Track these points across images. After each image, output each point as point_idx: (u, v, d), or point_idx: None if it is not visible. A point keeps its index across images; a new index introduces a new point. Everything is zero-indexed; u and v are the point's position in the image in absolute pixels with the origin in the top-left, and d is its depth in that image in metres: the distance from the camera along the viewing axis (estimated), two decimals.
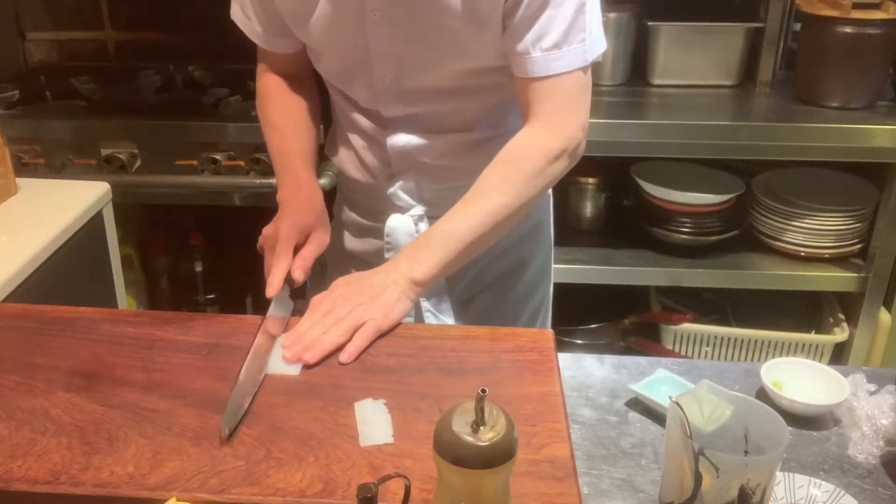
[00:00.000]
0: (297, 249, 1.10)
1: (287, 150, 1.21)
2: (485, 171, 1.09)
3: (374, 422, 0.84)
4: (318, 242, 1.13)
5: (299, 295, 1.08)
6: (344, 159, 1.28)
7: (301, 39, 1.17)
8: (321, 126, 1.30)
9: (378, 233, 1.25)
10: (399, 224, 1.22)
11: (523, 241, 1.33)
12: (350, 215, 1.34)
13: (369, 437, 0.82)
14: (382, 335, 0.98)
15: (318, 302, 1.01)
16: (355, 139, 1.24)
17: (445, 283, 1.24)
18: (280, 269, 1.06)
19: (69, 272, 1.48)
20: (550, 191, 1.39)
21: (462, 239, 1.05)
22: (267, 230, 1.11)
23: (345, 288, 1.02)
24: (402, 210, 1.23)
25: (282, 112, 1.25)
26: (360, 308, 0.98)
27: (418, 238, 1.09)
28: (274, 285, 1.04)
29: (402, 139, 1.19)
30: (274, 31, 1.20)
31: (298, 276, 1.07)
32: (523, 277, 1.34)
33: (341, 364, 0.93)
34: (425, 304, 1.26)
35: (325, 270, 1.44)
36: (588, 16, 1.07)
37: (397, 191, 1.22)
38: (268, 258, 1.09)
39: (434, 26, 1.06)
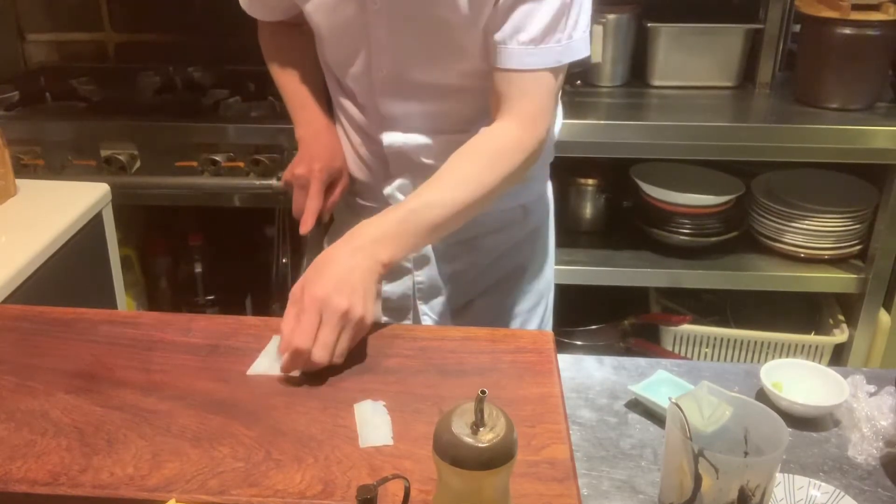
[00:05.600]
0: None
1: (301, 88, 1.27)
2: (460, 159, 1.07)
3: (373, 423, 0.84)
4: (343, 185, 1.24)
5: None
6: (346, 156, 1.28)
7: (306, 19, 1.17)
8: None
9: None
10: None
11: (521, 246, 1.32)
12: (349, 217, 1.34)
13: (369, 438, 0.82)
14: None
15: (297, 299, 0.96)
16: (354, 137, 1.25)
17: (443, 288, 1.24)
18: (314, 209, 1.18)
19: (69, 273, 1.48)
20: (550, 195, 1.38)
21: (433, 227, 1.03)
22: (298, 170, 1.21)
23: (318, 283, 0.95)
24: None
25: (288, 50, 1.29)
26: (343, 321, 0.93)
27: (384, 217, 1.03)
28: (308, 223, 1.16)
29: (398, 138, 1.19)
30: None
31: (327, 217, 1.22)
32: (521, 282, 1.34)
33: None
34: (423, 308, 1.25)
35: None
36: (572, 20, 1.07)
37: (394, 192, 1.22)
38: (298, 196, 1.21)
39: (432, 20, 1.07)
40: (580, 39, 1.09)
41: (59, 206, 1.52)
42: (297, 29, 1.28)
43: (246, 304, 2.34)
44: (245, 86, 2.13)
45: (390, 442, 0.82)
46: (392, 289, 1.27)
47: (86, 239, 1.54)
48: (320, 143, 1.23)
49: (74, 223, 1.50)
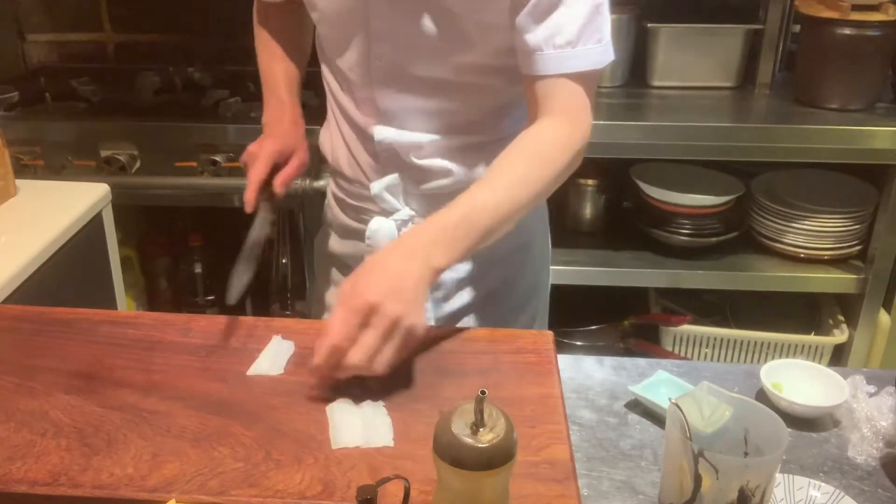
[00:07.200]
0: (279, 169, 1.19)
1: (276, 74, 1.28)
2: (510, 158, 1.05)
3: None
4: (300, 161, 1.23)
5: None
6: (337, 153, 1.27)
7: (306, 6, 1.16)
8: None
9: (362, 235, 1.24)
10: (381, 226, 1.21)
11: (514, 256, 1.29)
12: (337, 216, 1.32)
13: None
14: None
15: (347, 298, 0.91)
16: (347, 131, 1.23)
17: (431, 305, 1.22)
18: (255, 180, 1.16)
19: (69, 274, 1.48)
20: (546, 206, 1.35)
21: (486, 231, 1.00)
22: (252, 147, 1.20)
23: (370, 286, 0.90)
24: (387, 213, 1.22)
25: (276, 33, 1.29)
26: (392, 328, 0.89)
27: (438, 219, 0.99)
28: (247, 195, 1.15)
29: (390, 134, 1.17)
30: None
31: (280, 191, 1.18)
32: (512, 295, 1.31)
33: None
34: None
35: (315, 275, 1.43)
36: (602, 18, 1.05)
37: (382, 191, 1.20)
38: (249, 174, 1.18)
39: (436, 9, 1.05)
40: (609, 42, 1.07)
41: (59, 207, 1.52)
42: (293, 11, 1.28)
43: (246, 305, 2.34)
44: (245, 86, 2.13)
45: (391, 444, 0.82)
46: None
47: (86, 239, 1.54)
48: (279, 128, 1.24)
49: (74, 223, 1.50)
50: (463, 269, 1.24)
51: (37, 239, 1.40)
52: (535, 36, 1.04)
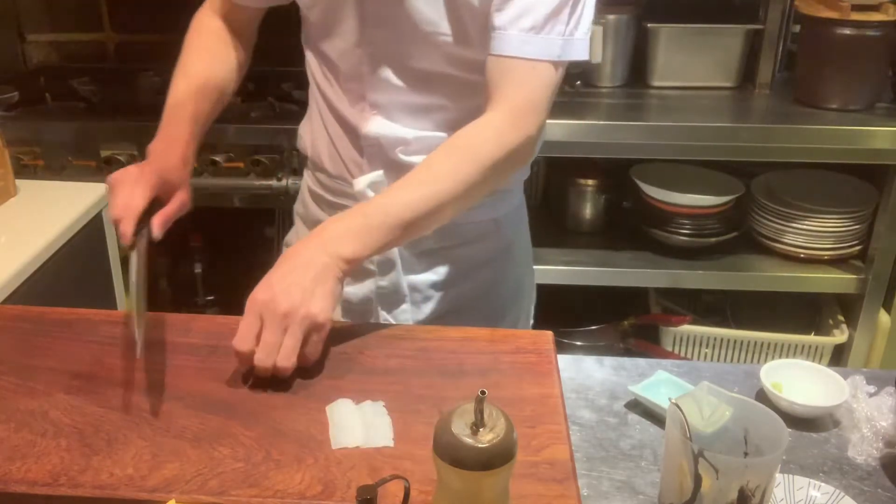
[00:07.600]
0: (158, 203, 1.07)
1: (185, 109, 1.19)
2: (436, 154, 1.05)
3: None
4: (181, 202, 1.10)
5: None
6: (319, 147, 1.24)
7: None
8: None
9: None
10: None
11: (493, 262, 1.27)
12: (311, 211, 1.30)
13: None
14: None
15: (254, 305, 0.94)
16: (331, 124, 1.20)
17: (407, 297, 1.21)
18: (132, 213, 1.01)
19: (68, 274, 1.48)
20: (526, 208, 1.33)
21: (401, 223, 0.99)
22: (131, 168, 1.06)
23: (265, 283, 0.95)
24: None
25: (201, 61, 1.22)
26: (286, 321, 0.91)
27: (352, 212, 1.00)
28: (127, 236, 1.00)
29: (377, 126, 1.14)
30: None
31: (157, 233, 1.04)
32: (495, 298, 1.29)
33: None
34: (384, 315, 1.22)
35: None
36: (575, 17, 1.04)
37: (365, 189, 1.16)
38: (117, 197, 1.03)
39: None
40: (581, 40, 1.06)
41: (59, 207, 1.53)
42: (236, 35, 1.24)
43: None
44: (244, 86, 2.11)
45: (391, 444, 0.82)
46: (354, 291, 1.22)
47: (86, 239, 1.54)
48: (165, 159, 1.12)
49: (74, 223, 1.50)
50: (441, 271, 1.23)
51: (37, 239, 1.40)
52: (503, 15, 1.02)
